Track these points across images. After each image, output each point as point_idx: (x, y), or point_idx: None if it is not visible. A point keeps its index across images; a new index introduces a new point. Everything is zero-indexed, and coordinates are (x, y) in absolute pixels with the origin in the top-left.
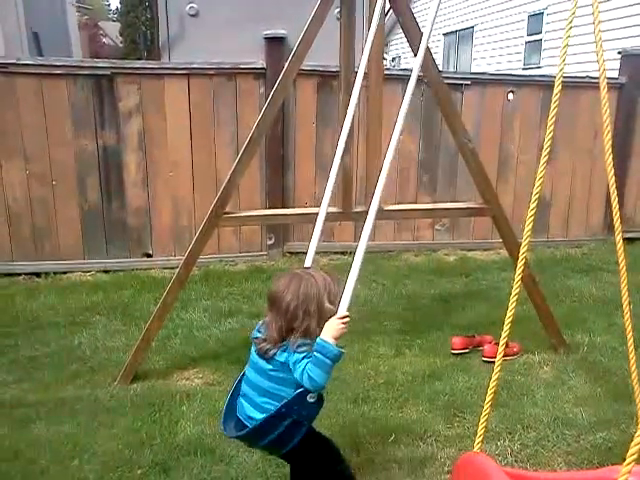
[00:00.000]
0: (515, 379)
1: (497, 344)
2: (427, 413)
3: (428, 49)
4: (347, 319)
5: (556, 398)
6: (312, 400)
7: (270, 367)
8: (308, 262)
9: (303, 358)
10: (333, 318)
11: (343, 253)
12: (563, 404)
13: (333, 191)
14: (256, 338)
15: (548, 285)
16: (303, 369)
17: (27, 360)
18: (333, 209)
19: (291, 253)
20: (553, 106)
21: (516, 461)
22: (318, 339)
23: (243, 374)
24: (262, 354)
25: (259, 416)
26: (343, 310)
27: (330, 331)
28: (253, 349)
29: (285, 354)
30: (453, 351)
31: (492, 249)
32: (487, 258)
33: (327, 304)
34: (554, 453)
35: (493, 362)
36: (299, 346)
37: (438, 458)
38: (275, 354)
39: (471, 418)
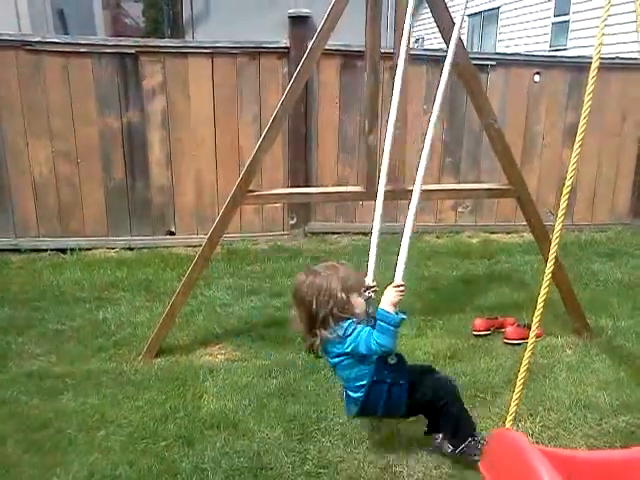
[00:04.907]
0: (537, 361)
1: (519, 326)
2: None
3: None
4: (402, 287)
5: (578, 381)
6: (393, 362)
7: (335, 360)
8: (373, 248)
9: (356, 337)
10: (389, 287)
11: (365, 234)
12: (585, 387)
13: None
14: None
15: (572, 269)
16: (366, 340)
17: (54, 333)
18: (356, 188)
19: (313, 233)
20: (589, 90)
21: (537, 442)
22: (378, 309)
23: None
24: (311, 352)
25: (359, 394)
26: (398, 280)
27: (388, 299)
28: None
29: (338, 346)
30: (475, 332)
31: (515, 232)
32: (510, 241)
33: (341, 293)
34: (575, 435)
35: (515, 344)
36: (346, 329)
37: None
38: (319, 345)
39: (492, 399)
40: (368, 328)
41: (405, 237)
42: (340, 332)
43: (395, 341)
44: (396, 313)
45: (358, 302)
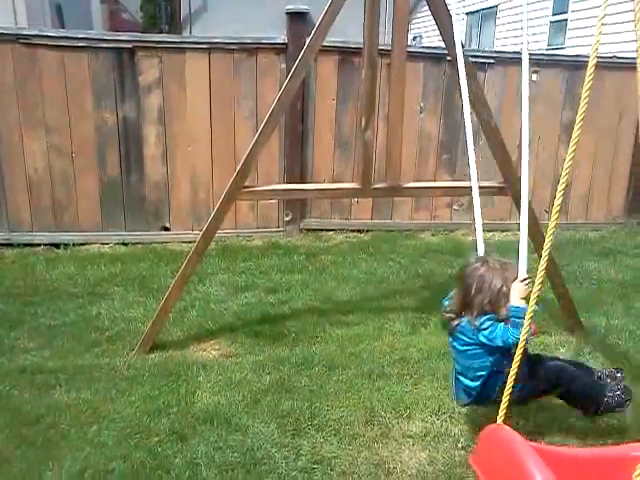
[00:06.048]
0: None
1: None
2: (442, 390)
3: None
4: (528, 280)
5: None
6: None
7: (461, 348)
8: (480, 244)
9: (492, 331)
10: (516, 282)
11: (360, 231)
12: None
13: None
14: (444, 309)
15: (567, 267)
16: (502, 335)
17: (47, 328)
18: (352, 185)
19: (308, 230)
20: (586, 88)
21: (530, 440)
22: (510, 306)
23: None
24: (445, 325)
25: (476, 384)
26: (523, 274)
27: (517, 294)
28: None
29: (471, 335)
30: None
31: (510, 230)
32: (505, 239)
33: (504, 289)
34: (568, 433)
35: None
36: (482, 324)
37: (452, 434)
38: (456, 328)
39: None
40: (502, 324)
41: (523, 232)
42: (477, 323)
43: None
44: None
45: (507, 305)
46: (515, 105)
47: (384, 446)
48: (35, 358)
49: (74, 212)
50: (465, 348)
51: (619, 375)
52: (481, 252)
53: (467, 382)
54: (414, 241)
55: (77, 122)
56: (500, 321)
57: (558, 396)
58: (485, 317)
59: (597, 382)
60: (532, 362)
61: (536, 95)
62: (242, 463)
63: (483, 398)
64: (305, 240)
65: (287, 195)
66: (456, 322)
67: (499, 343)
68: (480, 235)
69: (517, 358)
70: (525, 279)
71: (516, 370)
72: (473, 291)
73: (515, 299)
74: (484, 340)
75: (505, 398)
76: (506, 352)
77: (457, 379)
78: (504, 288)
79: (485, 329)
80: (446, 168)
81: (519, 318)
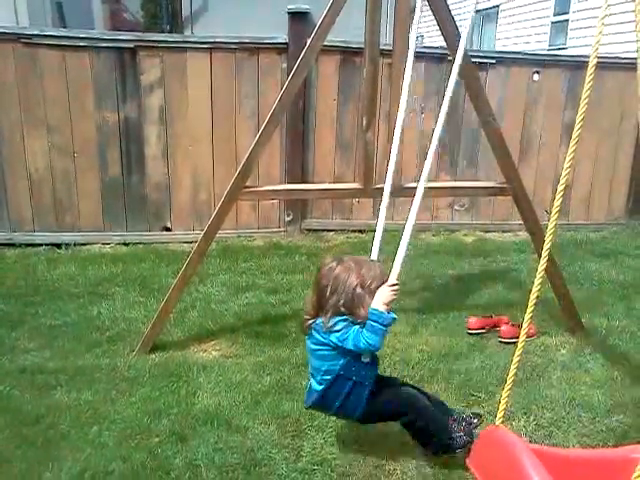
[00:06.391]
0: (532, 360)
1: (514, 325)
2: (442, 392)
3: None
4: (397, 287)
5: (572, 380)
6: (366, 360)
7: (314, 347)
8: (376, 244)
9: (345, 333)
10: (383, 286)
11: (361, 231)
12: (579, 386)
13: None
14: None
15: (567, 268)
16: (354, 338)
17: (47, 329)
18: (353, 185)
19: (309, 230)
20: (586, 88)
21: (531, 441)
22: (370, 308)
23: None
24: (302, 327)
25: (321, 387)
26: (393, 279)
27: (381, 298)
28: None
29: (323, 335)
30: (469, 331)
31: (511, 231)
32: (506, 240)
33: (358, 289)
34: (569, 434)
35: (509, 343)
36: (335, 325)
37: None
38: (311, 327)
39: (486, 397)
40: (356, 327)
41: (405, 236)
42: (329, 324)
43: (383, 340)
44: (388, 313)
45: (368, 305)
46: (516, 104)
47: (384, 448)
48: (36, 358)
49: (75, 212)
50: (317, 347)
51: (475, 421)
52: (375, 256)
53: (314, 384)
54: (415, 241)
55: (78, 122)
56: (357, 324)
57: (403, 425)
58: (339, 318)
59: (445, 424)
60: (384, 381)
61: (537, 95)
62: (242, 464)
63: (325, 405)
64: (306, 240)
65: (288, 195)
66: (311, 321)
67: (350, 346)
68: (379, 238)
69: (516, 359)
70: (393, 285)
71: (514, 371)
72: (328, 292)
73: (377, 303)
74: (335, 341)
75: (504, 400)
76: (357, 357)
77: (310, 381)
78: (358, 289)
79: (337, 330)
80: (447, 169)
81: (376, 322)
